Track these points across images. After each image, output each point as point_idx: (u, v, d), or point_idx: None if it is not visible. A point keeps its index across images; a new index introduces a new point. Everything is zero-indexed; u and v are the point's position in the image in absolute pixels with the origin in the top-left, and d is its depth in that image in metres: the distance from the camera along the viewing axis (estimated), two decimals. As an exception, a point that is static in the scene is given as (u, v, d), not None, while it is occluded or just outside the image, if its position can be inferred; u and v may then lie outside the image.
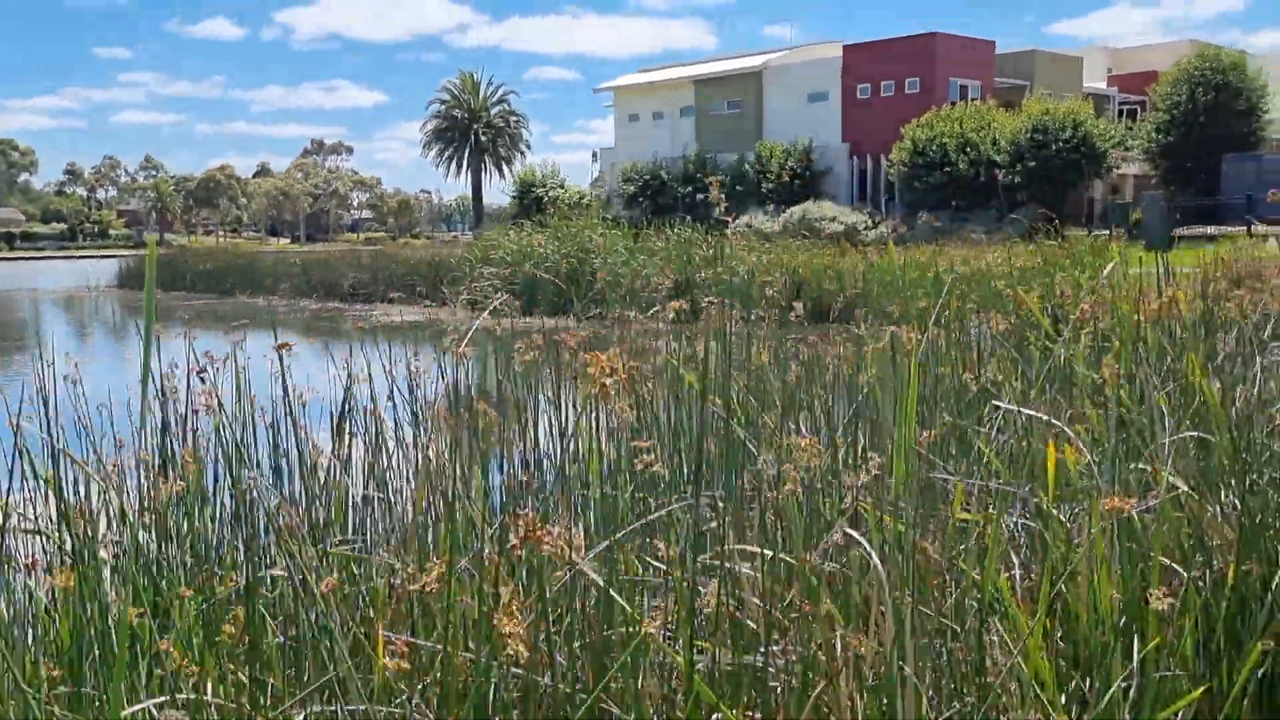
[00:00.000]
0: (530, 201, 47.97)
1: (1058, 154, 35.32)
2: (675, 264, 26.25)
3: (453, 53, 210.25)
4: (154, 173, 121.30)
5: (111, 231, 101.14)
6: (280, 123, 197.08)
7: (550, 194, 47.69)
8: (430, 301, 30.68)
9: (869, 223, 39.63)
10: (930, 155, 37.84)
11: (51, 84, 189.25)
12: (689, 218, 40.98)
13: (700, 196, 43.26)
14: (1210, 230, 30.72)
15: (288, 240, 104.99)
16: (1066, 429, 2.42)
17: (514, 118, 61.83)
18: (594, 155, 53.57)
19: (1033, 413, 2.64)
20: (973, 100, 40.10)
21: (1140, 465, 2.65)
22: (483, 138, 58.92)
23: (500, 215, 52.71)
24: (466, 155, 58.94)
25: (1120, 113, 46.92)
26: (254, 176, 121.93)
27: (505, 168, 60.15)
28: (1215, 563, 2.45)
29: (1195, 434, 2.72)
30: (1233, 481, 2.63)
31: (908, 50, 41.27)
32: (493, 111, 61.02)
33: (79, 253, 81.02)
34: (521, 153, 61.68)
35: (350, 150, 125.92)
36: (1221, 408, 2.69)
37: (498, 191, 60.47)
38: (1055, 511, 2.36)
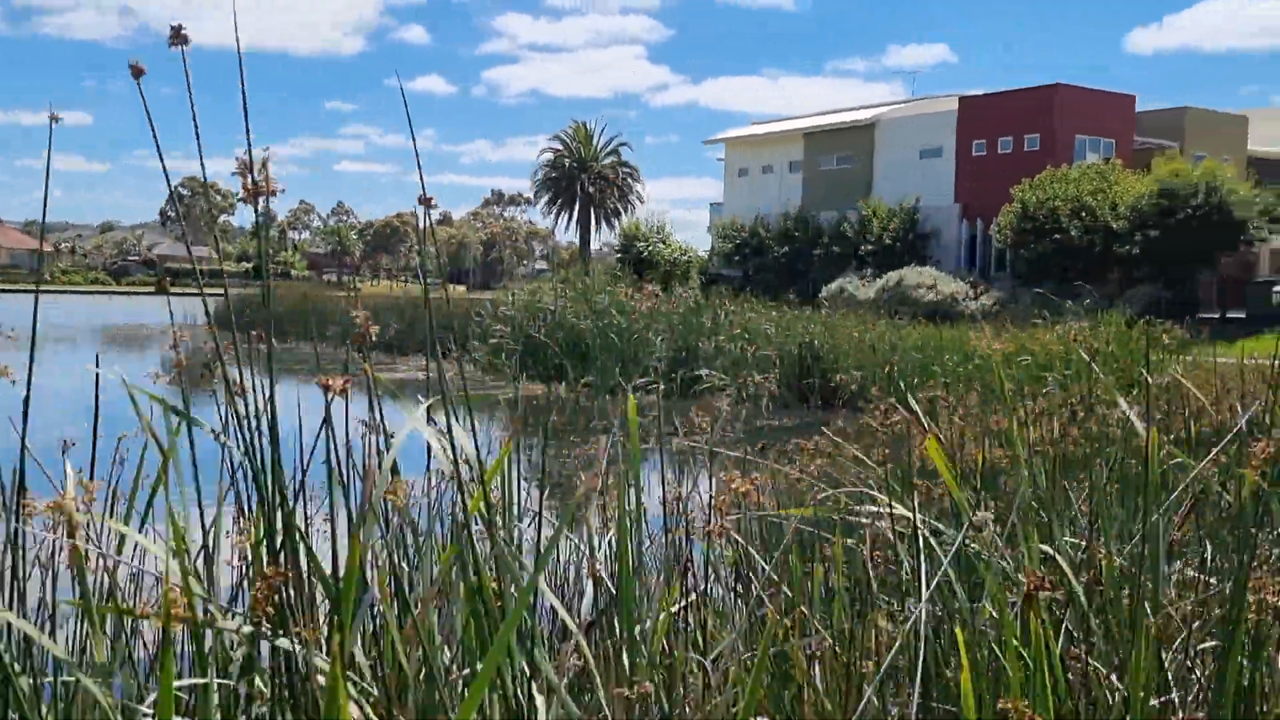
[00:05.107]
0: (631, 256, 45.89)
1: (1185, 222, 30.39)
2: (677, 331, 23.47)
3: (649, 111, 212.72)
4: (344, 218, 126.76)
5: (293, 272, 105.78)
6: (485, 175, 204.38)
7: (649, 249, 45.48)
8: (426, 357, 29.12)
9: (970, 293, 35.46)
10: (1039, 220, 33.50)
11: (282, 133, 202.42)
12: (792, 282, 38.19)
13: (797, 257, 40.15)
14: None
15: (464, 288, 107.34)
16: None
17: (624, 169, 59.93)
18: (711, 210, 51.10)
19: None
20: (1106, 160, 35.41)
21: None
22: (590, 189, 57.28)
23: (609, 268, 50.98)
24: (576, 206, 57.39)
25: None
26: (437, 224, 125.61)
27: (617, 220, 58.28)
28: None
29: None
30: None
31: (1027, 103, 36.93)
32: (604, 162, 59.34)
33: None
34: (631, 205, 59.78)
35: (529, 201, 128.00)
36: None
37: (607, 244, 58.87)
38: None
